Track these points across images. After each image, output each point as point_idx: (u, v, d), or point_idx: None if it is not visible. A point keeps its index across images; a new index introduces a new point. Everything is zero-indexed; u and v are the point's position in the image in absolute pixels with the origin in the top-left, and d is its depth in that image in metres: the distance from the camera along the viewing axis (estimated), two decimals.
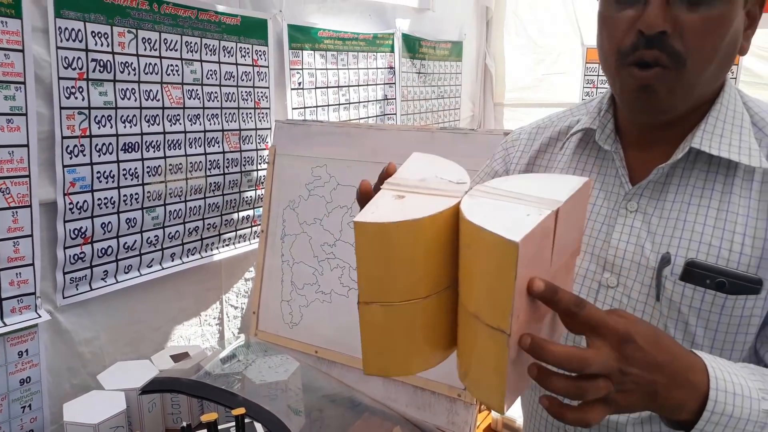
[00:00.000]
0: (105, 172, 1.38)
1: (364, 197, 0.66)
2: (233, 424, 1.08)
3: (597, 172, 0.82)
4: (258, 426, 1.09)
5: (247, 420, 1.09)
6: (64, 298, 1.34)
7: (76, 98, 1.30)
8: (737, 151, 0.71)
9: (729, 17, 0.68)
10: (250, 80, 1.74)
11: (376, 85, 2.31)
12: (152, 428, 1.37)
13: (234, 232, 1.78)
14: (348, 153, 1.59)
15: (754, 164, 0.70)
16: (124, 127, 1.41)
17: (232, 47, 1.66)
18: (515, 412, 1.69)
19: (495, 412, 0.53)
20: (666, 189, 0.75)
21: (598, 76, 2.83)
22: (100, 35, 1.32)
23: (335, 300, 1.63)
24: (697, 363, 0.60)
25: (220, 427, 1.05)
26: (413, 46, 2.51)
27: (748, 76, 2.46)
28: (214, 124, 1.64)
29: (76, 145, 1.31)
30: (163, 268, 1.57)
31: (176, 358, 1.48)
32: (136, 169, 1.45)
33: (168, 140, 1.52)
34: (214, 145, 1.65)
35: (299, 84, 1.92)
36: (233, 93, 1.69)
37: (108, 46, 1.34)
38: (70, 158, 1.31)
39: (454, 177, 0.62)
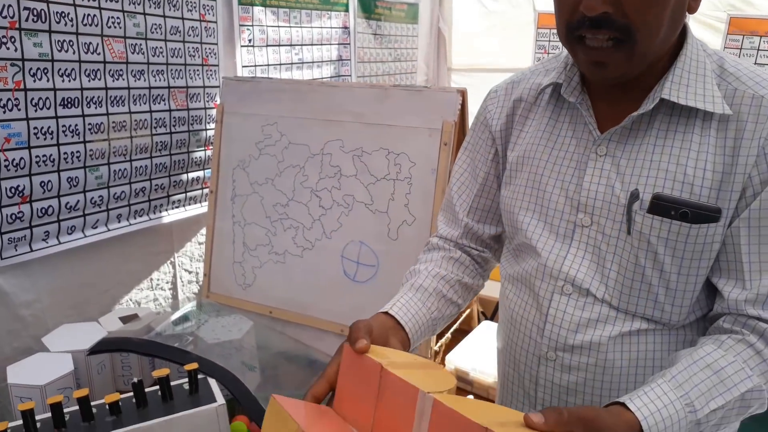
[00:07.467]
0: (43, 128, 1.31)
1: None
2: (186, 380, 1.06)
3: (569, 121, 0.87)
4: (212, 382, 1.07)
5: (200, 376, 1.08)
6: (2, 258, 1.28)
7: (8, 48, 1.22)
8: (702, 99, 0.76)
9: None
10: (197, 35, 1.68)
11: (330, 44, 2.27)
12: (103, 390, 1.33)
13: (184, 194, 1.74)
14: (299, 110, 1.56)
15: (717, 111, 0.75)
16: (62, 81, 1.34)
17: (177, 0, 1.60)
18: (467, 365, 1.72)
19: None
20: (633, 134, 0.80)
21: (549, 41, 2.85)
22: None
23: (289, 260, 1.61)
24: (631, 420, 0.65)
25: (172, 383, 1.03)
26: (369, 5, 2.47)
27: None
28: (160, 80, 1.58)
29: (9, 99, 1.24)
30: (109, 230, 1.52)
31: (125, 320, 1.45)
32: (76, 125, 1.38)
33: (110, 96, 1.45)
34: (159, 103, 1.59)
35: (249, 41, 1.87)
36: (179, 48, 1.63)
37: None
38: (4, 112, 1.23)
39: None
